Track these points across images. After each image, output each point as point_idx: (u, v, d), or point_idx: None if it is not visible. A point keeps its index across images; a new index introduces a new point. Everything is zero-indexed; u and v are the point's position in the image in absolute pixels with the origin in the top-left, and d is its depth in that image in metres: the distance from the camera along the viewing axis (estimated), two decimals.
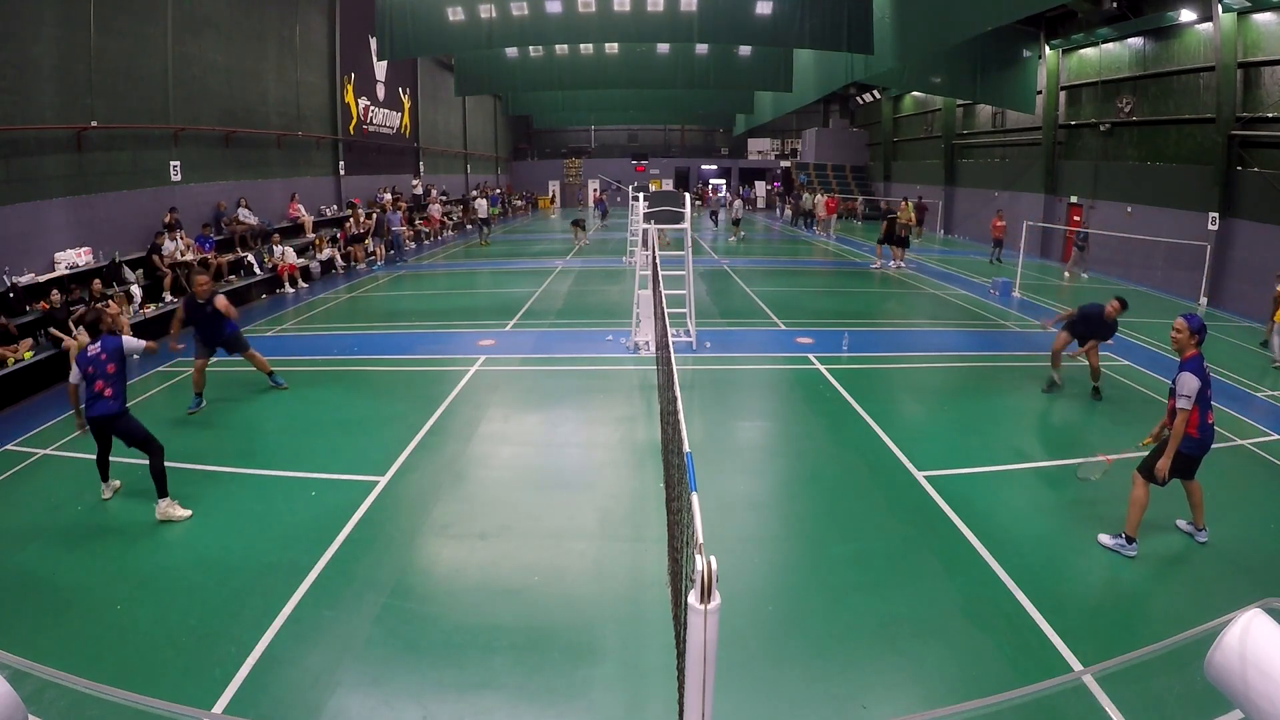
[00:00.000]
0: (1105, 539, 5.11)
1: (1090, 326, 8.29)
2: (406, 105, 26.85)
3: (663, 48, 22.68)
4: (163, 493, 5.46)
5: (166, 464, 5.53)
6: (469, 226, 30.74)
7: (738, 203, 28.36)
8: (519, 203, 40.50)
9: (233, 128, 15.46)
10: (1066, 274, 18.71)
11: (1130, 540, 4.99)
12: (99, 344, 5.58)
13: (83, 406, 5.66)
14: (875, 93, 36.62)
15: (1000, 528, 5.32)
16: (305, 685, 3.68)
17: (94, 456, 5.77)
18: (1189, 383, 4.73)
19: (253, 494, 5.87)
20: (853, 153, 40.58)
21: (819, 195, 30.29)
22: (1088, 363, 8.51)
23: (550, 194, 46.36)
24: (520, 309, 13.26)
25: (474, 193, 35.23)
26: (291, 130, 18.23)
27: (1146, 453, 5.14)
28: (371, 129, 23.54)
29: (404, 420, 7.45)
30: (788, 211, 35.54)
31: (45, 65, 10.48)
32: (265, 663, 3.83)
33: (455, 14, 17.66)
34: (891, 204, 27.12)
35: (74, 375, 5.61)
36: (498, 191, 37.22)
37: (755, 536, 5.29)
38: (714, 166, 47.37)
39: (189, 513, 5.48)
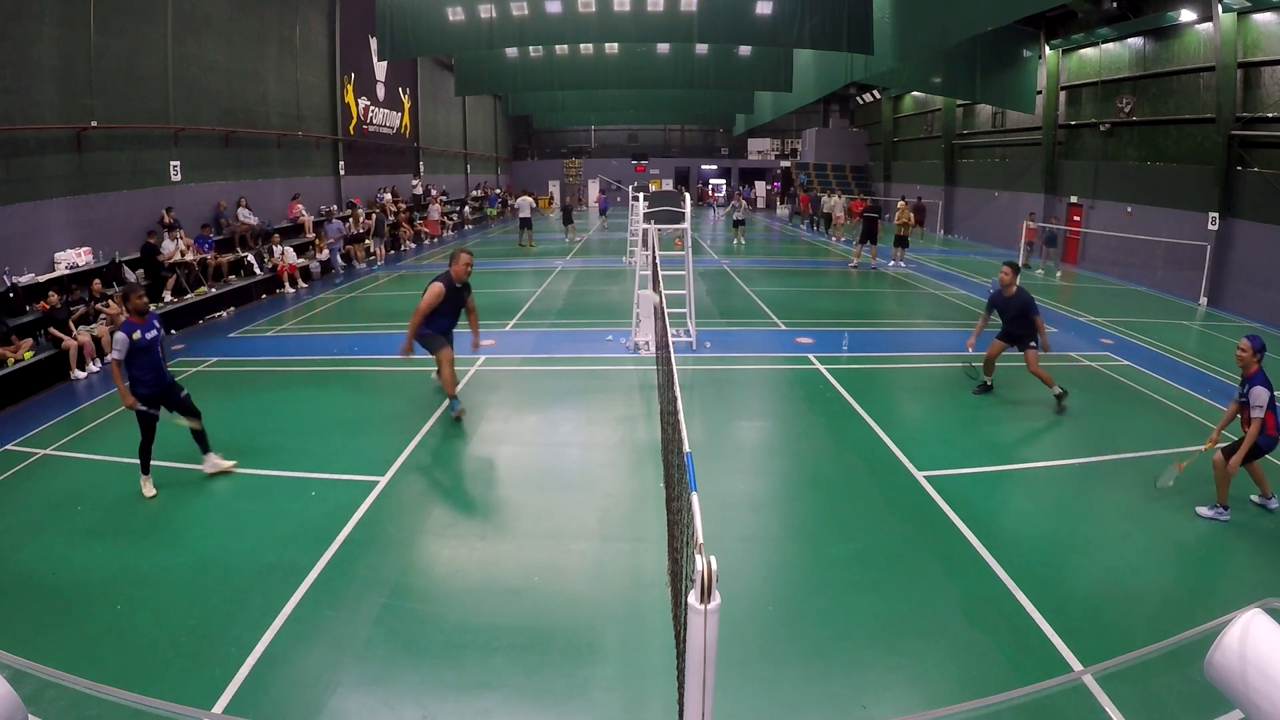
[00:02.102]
0: (1204, 510, 5.55)
1: (1009, 318, 7.96)
2: (406, 105, 26.85)
3: (663, 48, 22.67)
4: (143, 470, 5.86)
5: (170, 464, 5.56)
6: (469, 227, 30.74)
7: (743, 203, 26.79)
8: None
9: (233, 128, 15.46)
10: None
11: (1225, 507, 5.50)
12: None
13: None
14: (875, 93, 36.62)
15: (1000, 528, 5.33)
16: (305, 685, 3.68)
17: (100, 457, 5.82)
18: (1262, 395, 5.26)
19: (253, 494, 5.87)
20: (853, 153, 40.57)
21: (838, 196, 27.89)
22: (1039, 377, 7.84)
23: (550, 194, 46.37)
24: (520, 309, 13.26)
25: (476, 191, 35.32)
26: (291, 130, 18.23)
27: (1207, 454, 5.70)
28: (371, 129, 23.54)
29: (404, 420, 7.45)
30: (796, 215, 33.38)
31: (45, 65, 10.48)
32: (265, 663, 3.83)
33: (455, 14, 17.66)
34: (876, 203, 25.82)
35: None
36: (496, 192, 37.18)
37: (755, 536, 5.29)
38: (714, 166, 47.37)
39: (233, 462, 6.13)
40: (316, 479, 6.05)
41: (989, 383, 8.39)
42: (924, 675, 3.83)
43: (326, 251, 17.64)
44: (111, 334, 9.90)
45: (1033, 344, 7.91)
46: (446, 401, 7.52)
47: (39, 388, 8.73)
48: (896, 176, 35.38)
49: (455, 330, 7.67)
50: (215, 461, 6.14)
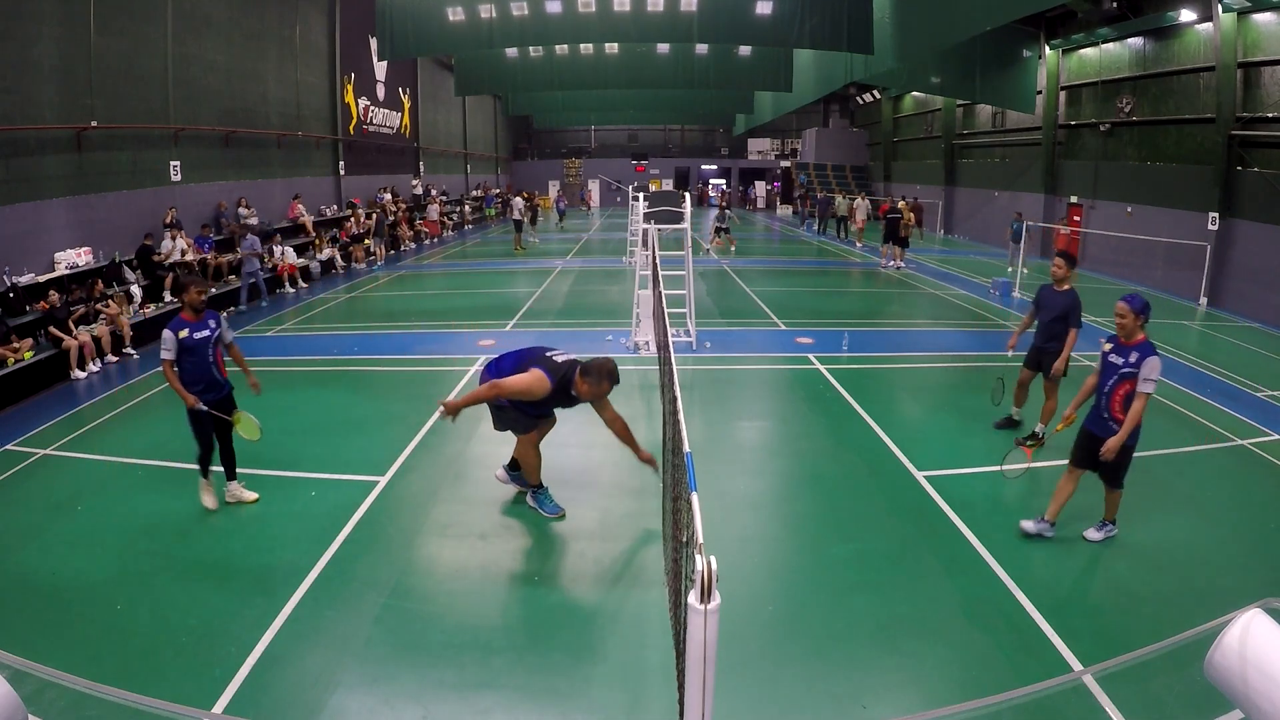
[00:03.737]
0: (1093, 533, 5.12)
1: (1047, 319, 6.76)
2: (406, 105, 26.86)
3: (663, 48, 22.68)
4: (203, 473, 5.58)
5: (170, 464, 5.55)
6: (469, 227, 30.74)
7: (728, 211, 24.58)
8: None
9: (233, 128, 15.47)
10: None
11: (1113, 523, 5.12)
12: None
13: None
14: (875, 93, 36.62)
15: (1000, 528, 5.32)
16: (305, 685, 3.68)
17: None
18: (1158, 366, 4.62)
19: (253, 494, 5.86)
20: (853, 153, 40.58)
21: (861, 199, 25.31)
22: (1048, 398, 6.82)
23: (548, 194, 46.32)
24: (520, 309, 13.26)
25: (476, 191, 35.32)
26: (291, 130, 18.24)
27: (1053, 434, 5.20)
28: (371, 129, 23.54)
29: (404, 420, 7.45)
30: (811, 218, 30.81)
31: (45, 65, 10.48)
32: (265, 663, 3.83)
33: (455, 14, 17.67)
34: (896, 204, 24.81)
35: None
36: (495, 192, 37.15)
37: (755, 536, 5.29)
38: (714, 166, 47.38)
39: (255, 495, 5.64)
40: (316, 479, 6.05)
41: (1017, 417, 7.20)
42: (924, 675, 3.83)
43: (245, 268, 13.67)
44: (112, 334, 9.94)
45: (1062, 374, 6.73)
46: (530, 496, 5.55)
47: (39, 388, 8.73)
48: (896, 176, 35.39)
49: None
50: (237, 491, 5.64)
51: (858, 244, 23.80)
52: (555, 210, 34.07)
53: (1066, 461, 5.15)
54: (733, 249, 22.24)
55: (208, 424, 5.35)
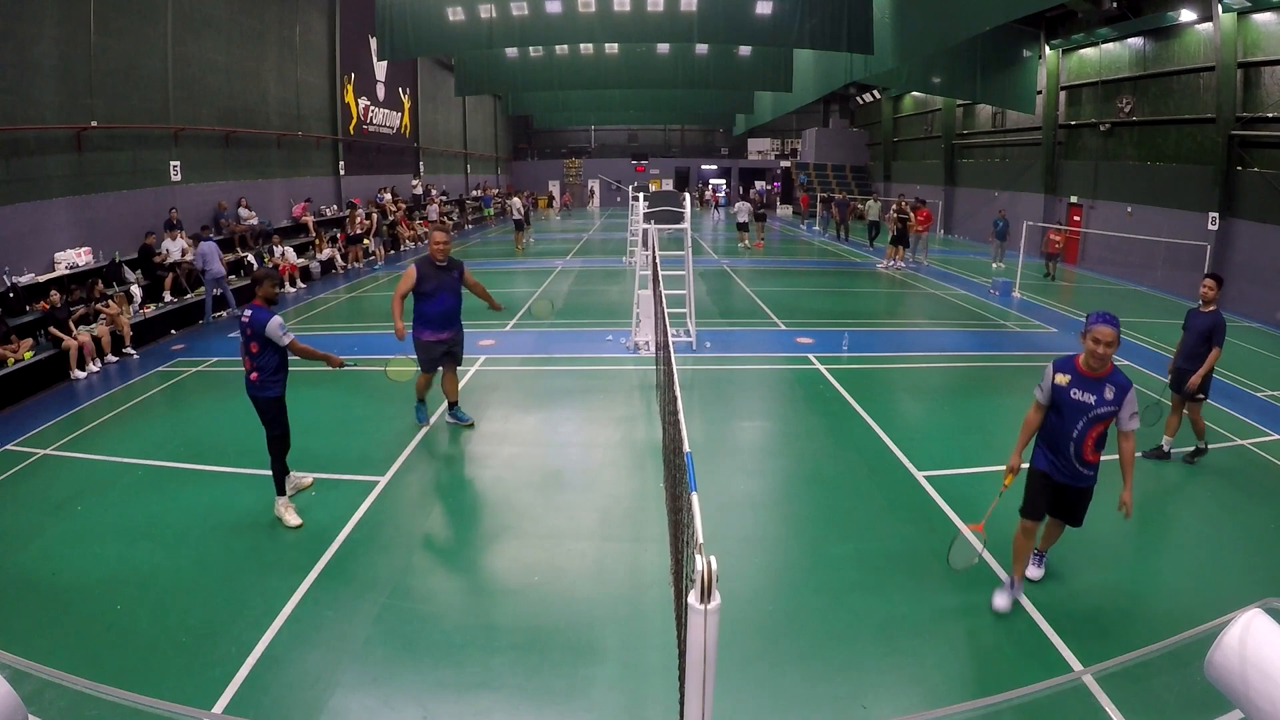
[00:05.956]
0: (1035, 571, 4.62)
1: (1189, 340, 6.52)
2: (406, 105, 26.86)
3: (663, 48, 22.67)
4: (279, 490, 5.43)
5: (170, 464, 5.52)
6: (469, 227, 30.74)
7: (743, 204, 24.33)
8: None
9: (233, 128, 15.47)
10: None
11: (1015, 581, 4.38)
12: (249, 312, 5.29)
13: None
14: (875, 93, 36.62)
15: (1000, 528, 5.31)
16: (305, 685, 3.68)
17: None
18: (1135, 399, 4.00)
19: (253, 494, 5.86)
20: (853, 153, 40.57)
21: (901, 203, 21.58)
22: (1191, 420, 6.65)
23: (549, 195, 46.32)
24: (520, 309, 13.25)
25: (476, 190, 35.32)
26: (291, 130, 18.24)
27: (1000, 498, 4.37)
28: (371, 129, 23.54)
29: (404, 420, 7.44)
30: (811, 220, 29.73)
31: (45, 65, 10.48)
32: (265, 663, 3.83)
33: (455, 14, 17.67)
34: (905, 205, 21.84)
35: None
36: (494, 192, 37.14)
37: (755, 536, 5.29)
38: (714, 166, 47.37)
39: (299, 521, 5.29)
40: (316, 479, 6.05)
41: (1167, 448, 6.68)
42: (924, 675, 3.83)
43: (206, 282, 12.42)
44: (112, 334, 9.95)
45: (1201, 394, 6.47)
46: (414, 407, 7.25)
47: (39, 388, 8.73)
48: (896, 176, 35.38)
49: (462, 334, 7.06)
50: (286, 509, 5.40)
51: (895, 261, 19.39)
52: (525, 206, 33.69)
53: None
54: (742, 245, 22.69)
55: (285, 420, 5.49)
